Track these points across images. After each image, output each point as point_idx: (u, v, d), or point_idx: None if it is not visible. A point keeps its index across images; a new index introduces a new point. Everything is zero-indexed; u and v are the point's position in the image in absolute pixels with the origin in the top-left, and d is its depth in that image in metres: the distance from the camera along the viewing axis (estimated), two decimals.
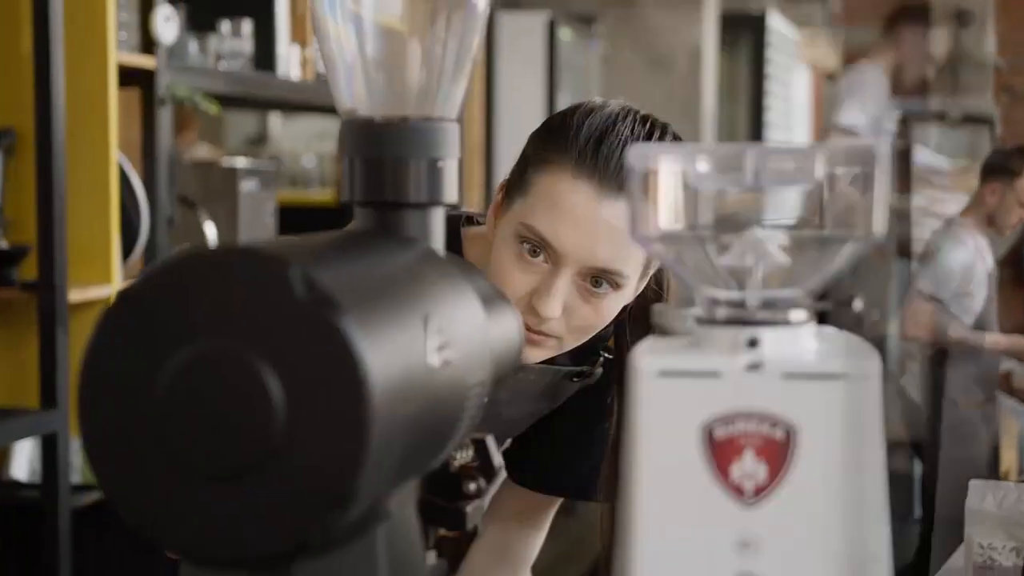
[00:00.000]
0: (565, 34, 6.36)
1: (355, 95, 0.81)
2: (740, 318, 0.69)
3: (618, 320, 1.35)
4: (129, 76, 2.61)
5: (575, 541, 3.39)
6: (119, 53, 2.53)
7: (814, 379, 0.66)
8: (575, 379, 1.41)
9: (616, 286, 1.26)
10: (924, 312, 4.26)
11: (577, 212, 1.23)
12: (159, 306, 0.61)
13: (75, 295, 2.38)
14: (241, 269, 0.60)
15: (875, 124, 4.46)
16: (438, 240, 0.80)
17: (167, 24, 2.63)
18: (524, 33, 4.90)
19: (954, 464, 4.03)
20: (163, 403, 0.61)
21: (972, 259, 4.41)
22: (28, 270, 2.37)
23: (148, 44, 2.64)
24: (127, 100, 2.67)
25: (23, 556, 2.47)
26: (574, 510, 2.32)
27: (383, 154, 0.79)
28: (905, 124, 4.56)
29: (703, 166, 0.69)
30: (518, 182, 1.29)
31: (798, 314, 0.69)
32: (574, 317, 1.27)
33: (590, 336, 1.30)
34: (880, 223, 0.67)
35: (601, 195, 1.22)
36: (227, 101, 3.24)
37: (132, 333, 0.61)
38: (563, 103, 6.36)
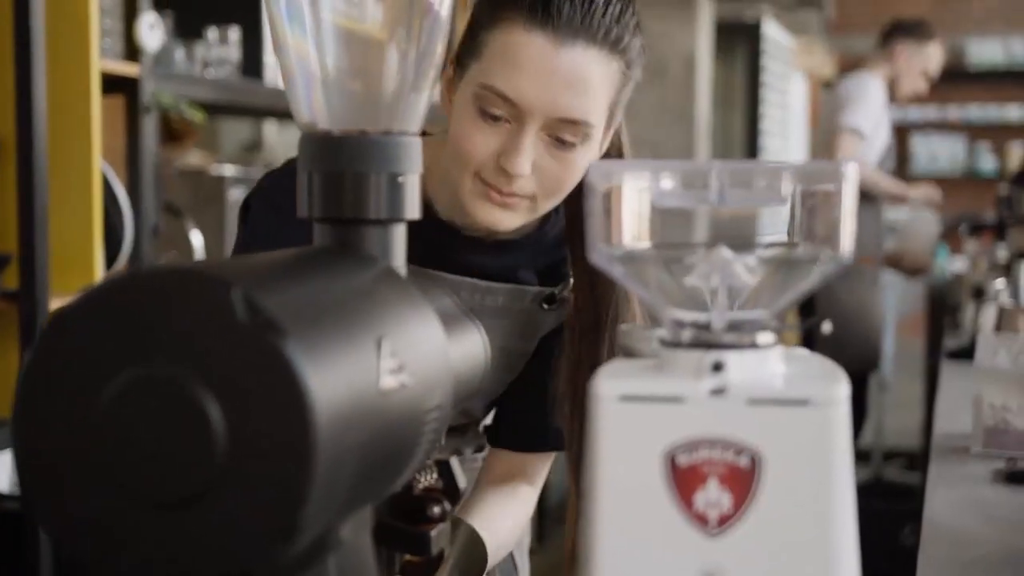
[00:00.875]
0: None
1: (314, 108, 0.78)
2: (705, 341, 0.67)
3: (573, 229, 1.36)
4: (113, 83, 2.58)
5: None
6: (103, 60, 2.50)
7: (780, 405, 0.64)
8: (545, 305, 1.41)
9: (583, 137, 1.24)
10: (853, 145, 4.35)
11: (534, 63, 1.21)
12: (98, 327, 0.59)
13: (57, 304, 2.35)
14: (182, 290, 0.58)
15: (875, 130, 4.48)
16: (399, 256, 0.78)
17: (152, 31, 2.60)
18: None
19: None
20: (102, 428, 0.58)
21: (882, 106, 4.49)
22: (9, 279, 2.35)
23: (133, 51, 2.62)
24: (112, 108, 2.64)
25: (4, 567, 2.44)
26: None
27: (342, 169, 0.76)
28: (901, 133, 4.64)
29: (667, 184, 0.67)
30: (470, 46, 1.27)
31: (765, 337, 0.67)
32: (544, 175, 1.26)
33: (561, 197, 1.29)
34: (848, 244, 0.65)
35: (557, 44, 1.21)
36: (215, 108, 3.22)
37: (70, 355, 0.59)
38: None
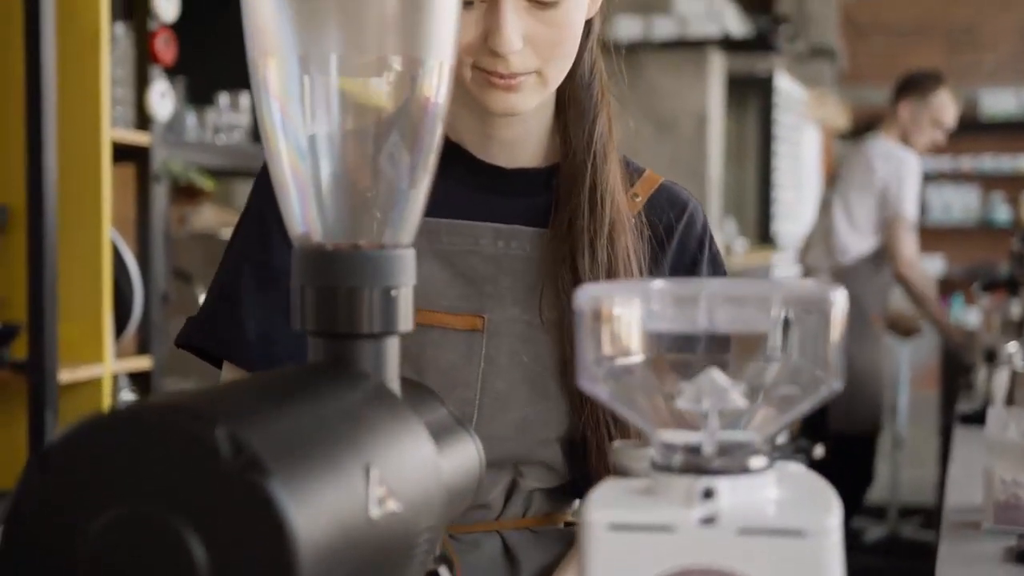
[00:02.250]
0: None
1: (307, 221, 0.78)
2: (695, 466, 0.66)
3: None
4: (124, 152, 2.60)
5: None
6: (114, 130, 2.52)
7: (772, 535, 0.63)
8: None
9: None
10: (912, 236, 4.36)
11: None
12: (80, 467, 0.58)
13: (66, 375, 2.36)
14: (166, 428, 0.58)
15: None
16: (392, 370, 0.78)
17: (163, 100, 2.62)
18: None
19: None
20: (86, 568, 0.58)
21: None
22: (18, 349, 2.35)
23: (144, 120, 2.63)
24: (122, 176, 2.66)
25: None
26: None
27: (335, 283, 0.76)
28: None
29: (656, 307, 0.67)
30: None
31: (757, 460, 0.67)
32: (539, 43, 1.19)
33: (568, 60, 1.22)
34: (837, 371, 0.64)
35: None
36: (226, 172, 3.24)
37: (53, 494, 0.59)
38: None
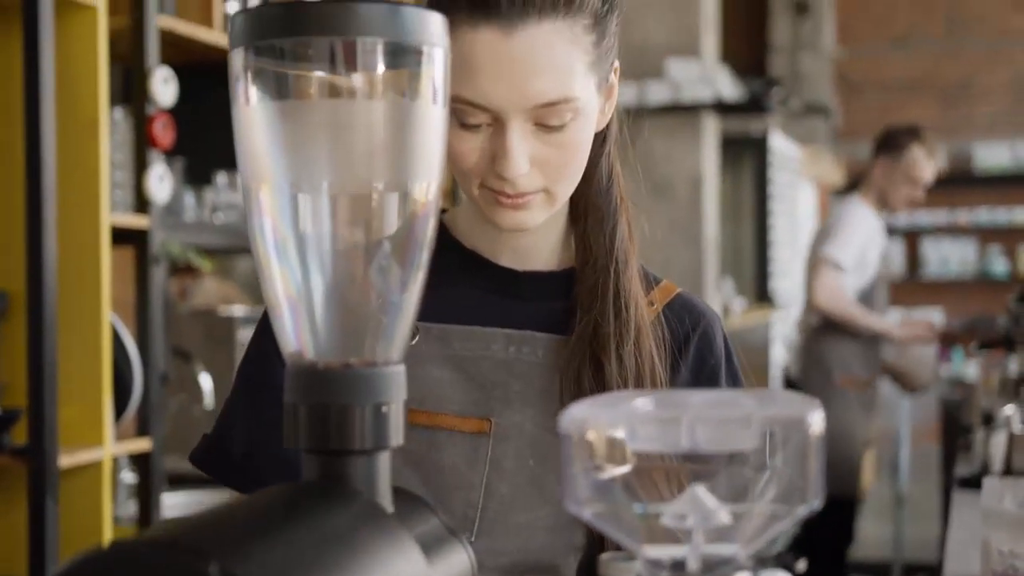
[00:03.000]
0: None
1: (300, 339, 0.80)
2: None
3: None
4: (123, 235, 2.63)
5: None
6: (113, 214, 2.54)
7: None
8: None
9: (573, 113, 1.17)
10: (830, 277, 4.36)
11: (489, 59, 1.14)
12: None
13: (66, 459, 2.37)
14: (160, 565, 0.59)
15: (860, 261, 4.52)
16: (383, 484, 0.79)
17: (161, 183, 2.65)
18: None
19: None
20: None
21: (869, 233, 4.51)
22: (18, 434, 2.36)
23: (143, 203, 2.66)
24: (121, 258, 2.68)
25: None
26: None
27: (327, 401, 0.78)
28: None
29: (639, 427, 0.68)
30: None
31: (742, 575, 0.68)
32: (546, 165, 1.18)
33: (575, 178, 1.21)
34: (816, 492, 0.66)
35: (506, 31, 1.13)
36: (225, 249, 3.26)
37: None
38: None
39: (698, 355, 1.32)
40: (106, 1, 2.50)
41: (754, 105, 5.82)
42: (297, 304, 0.81)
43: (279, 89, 0.78)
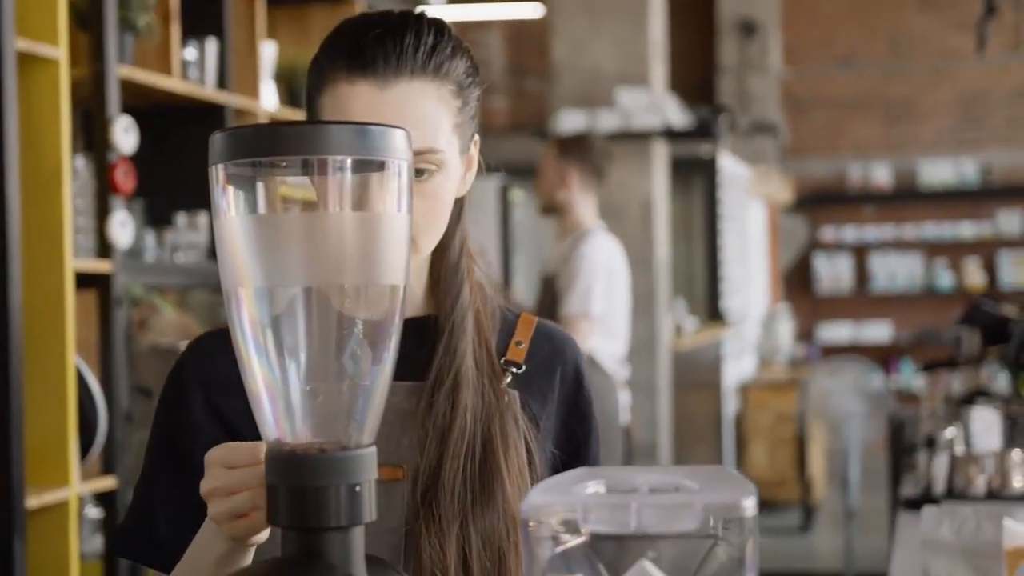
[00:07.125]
0: (517, 195, 6.52)
1: (279, 427, 0.88)
2: None
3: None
4: (86, 279, 2.68)
5: None
6: (76, 259, 2.60)
7: None
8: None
9: (437, 165, 1.23)
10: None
11: (363, 109, 1.21)
12: None
13: (32, 500, 2.42)
14: None
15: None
16: (358, 556, 0.87)
17: (123, 228, 2.71)
18: (477, 196, 5.02)
19: None
20: None
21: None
22: None
23: (105, 247, 2.71)
24: (84, 302, 2.73)
25: None
26: None
27: (304, 483, 0.86)
28: None
29: (591, 514, 0.76)
30: (310, 116, 1.27)
31: None
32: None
33: (439, 230, 1.26)
34: (753, 567, 0.74)
35: (381, 86, 1.21)
36: (185, 287, 3.32)
37: None
38: (518, 263, 6.48)
39: (568, 388, 1.35)
40: (67, 54, 2.56)
41: (702, 131, 5.93)
42: (275, 394, 0.88)
43: (256, 202, 0.86)
